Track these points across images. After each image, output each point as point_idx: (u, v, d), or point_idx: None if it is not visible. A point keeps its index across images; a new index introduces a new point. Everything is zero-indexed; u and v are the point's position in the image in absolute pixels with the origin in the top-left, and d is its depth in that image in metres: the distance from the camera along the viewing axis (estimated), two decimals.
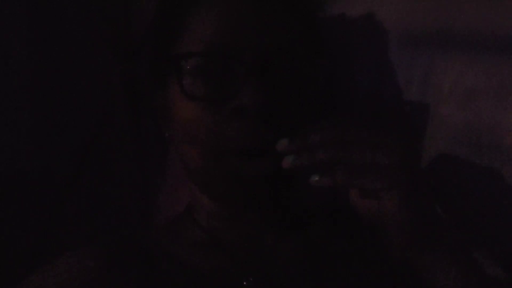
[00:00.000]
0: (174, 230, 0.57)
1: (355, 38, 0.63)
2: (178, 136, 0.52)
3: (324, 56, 0.53)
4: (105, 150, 0.76)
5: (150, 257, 0.53)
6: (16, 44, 0.83)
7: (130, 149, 0.73)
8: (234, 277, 0.51)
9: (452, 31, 0.57)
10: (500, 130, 0.55)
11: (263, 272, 0.52)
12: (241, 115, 0.47)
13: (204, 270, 0.52)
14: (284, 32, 0.50)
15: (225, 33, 0.49)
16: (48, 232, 0.71)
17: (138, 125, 0.71)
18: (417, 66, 0.59)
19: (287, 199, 0.53)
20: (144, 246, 0.54)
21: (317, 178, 0.44)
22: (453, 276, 0.45)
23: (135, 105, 0.76)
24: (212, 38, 0.49)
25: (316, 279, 0.52)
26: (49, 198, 0.74)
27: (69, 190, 0.74)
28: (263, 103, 0.47)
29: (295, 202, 0.55)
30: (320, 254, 0.53)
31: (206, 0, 0.51)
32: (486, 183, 0.56)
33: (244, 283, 0.51)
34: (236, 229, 0.54)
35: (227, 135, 0.48)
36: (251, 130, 0.47)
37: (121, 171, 0.75)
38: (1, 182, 0.74)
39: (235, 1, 0.50)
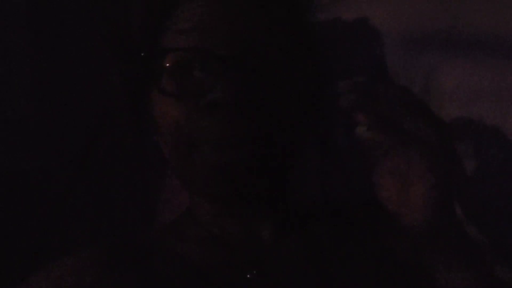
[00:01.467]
0: (176, 229, 0.57)
1: (356, 40, 0.63)
2: (160, 135, 0.53)
3: (305, 54, 0.53)
4: (106, 150, 0.76)
5: (152, 257, 0.53)
6: (16, 44, 0.82)
7: (130, 149, 0.73)
8: (237, 271, 0.51)
9: (455, 33, 0.57)
10: (503, 131, 0.55)
11: (266, 265, 0.52)
12: (216, 109, 0.48)
13: (206, 266, 0.52)
14: (259, 27, 0.50)
15: (199, 28, 0.49)
16: (48, 233, 0.71)
17: (139, 125, 0.71)
18: (420, 68, 0.59)
19: (274, 191, 0.53)
20: (146, 245, 0.54)
21: (365, 128, 0.45)
22: (463, 277, 0.45)
23: (135, 105, 0.76)
24: (187, 33, 0.50)
25: (317, 271, 0.52)
26: (49, 198, 0.74)
27: (70, 191, 0.73)
28: (237, 97, 0.47)
29: (285, 195, 0.55)
30: (321, 247, 0.54)
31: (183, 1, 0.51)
32: (488, 183, 0.56)
33: (248, 276, 0.51)
34: (236, 224, 0.54)
35: (202, 129, 0.49)
36: (225, 123, 0.48)
37: (122, 171, 0.75)
38: (1, 182, 0.74)
39: None
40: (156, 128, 0.54)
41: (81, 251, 0.52)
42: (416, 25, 0.59)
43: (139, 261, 0.52)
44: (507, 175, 0.55)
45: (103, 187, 0.74)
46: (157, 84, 0.50)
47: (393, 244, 0.47)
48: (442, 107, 0.58)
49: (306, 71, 0.52)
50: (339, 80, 0.48)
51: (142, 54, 0.53)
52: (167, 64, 0.50)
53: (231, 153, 0.49)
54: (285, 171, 0.54)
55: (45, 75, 0.83)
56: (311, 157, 0.60)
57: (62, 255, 0.52)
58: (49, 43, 0.83)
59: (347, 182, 0.60)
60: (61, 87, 0.81)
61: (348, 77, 0.63)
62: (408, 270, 0.47)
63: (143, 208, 0.73)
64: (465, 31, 0.57)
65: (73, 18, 0.83)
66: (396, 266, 0.49)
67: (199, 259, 0.53)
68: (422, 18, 0.59)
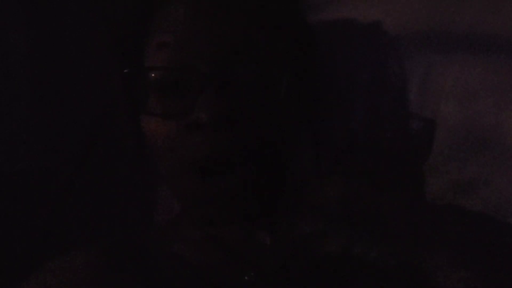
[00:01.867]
0: (174, 229, 0.57)
1: (353, 39, 0.63)
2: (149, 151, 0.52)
3: (293, 60, 0.51)
4: (105, 150, 0.76)
5: (150, 257, 0.53)
6: (16, 44, 0.82)
7: (130, 149, 0.73)
8: (235, 272, 0.51)
9: (452, 32, 0.57)
10: (500, 129, 0.55)
11: (264, 267, 0.52)
12: (198, 129, 0.46)
13: (204, 267, 0.52)
14: (240, 43, 0.48)
15: (180, 46, 0.48)
16: (48, 232, 0.71)
17: (138, 125, 0.71)
18: (416, 67, 0.59)
19: (268, 200, 0.52)
20: (144, 245, 0.54)
21: None
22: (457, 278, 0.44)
23: (135, 105, 0.76)
24: (168, 51, 0.48)
25: (316, 274, 0.52)
26: (48, 198, 0.74)
27: (69, 190, 0.73)
28: (219, 116, 0.45)
29: (282, 198, 0.55)
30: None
31: (163, 13, 0.50)
32: (486, 183, 0.56)
33: (246, 277, 0.51)
34: (233, 226, 0.54)
35: (185, 149, 0.47)
36: (208, 144, 0.46)
37: (121, 171, 0.75)
38: (1, 182, 0.74)
39: (191, 12, 0.48)
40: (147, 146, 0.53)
41: (80, 251, 0.53)
42: (413, 24, 0.59)
43: (137, 261, 0.52)
44: (505, 172, 0.55)
45: (102, 187, 0.74)
46: (142, 102, 0.49)
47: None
48: (439, 106, 0.58)
49: (294, 83, 0.50)
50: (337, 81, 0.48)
51: (125, 71, 0.51)
52: (150, 81, 0.48)
53: (217, 181, 0.47)
54: (279, 179, 0.52)
55: (45, 75, 0.83)
56: (307, 159, 0.60)
57: (60, 255, 0.52)
58: (49, 43, 0.83)
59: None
60: (61, 87, 0.81)
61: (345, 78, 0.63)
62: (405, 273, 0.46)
63: (141, 208, 0.74)
64: (462, 30, 0.57)
65: (73, 18, 0.83)
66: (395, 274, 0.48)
67: (197, 260, 0.52)
68: (419, 17, 0.59)
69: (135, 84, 0.49)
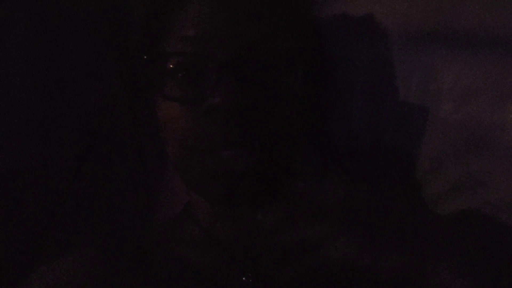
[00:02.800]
0: (173, 228, 0.57)
1: (353, 37, 0.62)
2: (163, 135, 0.53)
3: (305, 56, 0.53)
4: (105, 150, 0.76)
5: (149, 256, 0.53)
6: (16, 44, 0.82)
7: (129, 149, 0.73)
8: (233, 274, 0.51)
9: (452, 31, 0.57)
10: (499, 128, 0.55)
11: (262, 268, 0.52)
12: (215, 114, 0.48)
13: (203, 267, 0.52)
14: (259, 30, 0.50)
15: (199, 32, 0.49)
16: (47, 232, 0.71)
17: (138, 125, 0.71)
18: (417, 66, 0.59)
19: (273, 193, 0.53)
20: (144, 245, 0.55)
21: None
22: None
23: (135, 105, 0.76)
24: (188, 37, 0.50)
25: (314, 276, 0.52)
26: (48, 197, 0.74)
27: (68, 190, 0.73)
28: (237, 101, 0.47)
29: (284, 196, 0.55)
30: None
31: (186, 7, 0.51)
32: (484, 181, 0.56)
33: (243, 278, 0.51)
34: (233, 226, 0.54)
35: (202, 134, 0.49)
36: (224, 128, 0.48)
37: (121, 171, 0.75)
38: (1, 181, 0.74)
39: (213, 6, 0.50)
40: (160, 128, 0.54)
41: (79, 250, 0.53)
42: (413, 23, 0.59)
43: (137, 261, 0.52)
44: (504, 171, 0.55)
45: (101, 186, 0.74)
46: (160, 88, 0.50)
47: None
48: (439, 106, 0.58)
49: (307, 73, 0.52)
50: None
51: (145, 57, 0.53)
52: (170, 68, 0.50)
53: (229, 159, 0.48)
54: (285, 173, 0.53)
55: (45, 75, 0.83)
56: (308, 158, 0.60)
57: (60, 255, 0.52)
58: (49, 43, 0.83)
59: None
60: (61, 87, 0.81)
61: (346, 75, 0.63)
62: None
63: (141, 208, 0.74)
64: (462, 29, 0.57)
65: (73, 18, 0.83)
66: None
67: (196, 260, 0.53)
68: (419, 16, 0.59)
69: (153, 70, 0.51)
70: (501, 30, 0.54)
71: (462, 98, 0.57)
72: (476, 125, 0.56)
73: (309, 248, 0.53)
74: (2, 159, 0.76)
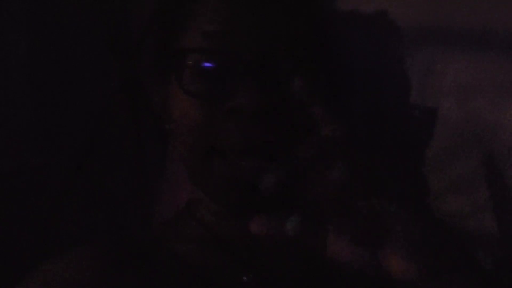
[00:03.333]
0: (174, 227, 0.57)
1: (353, 35, 0.62)
2: (176, 131, 0.52)
3: (325, 57, 0.52)
4: (105, 149, 0.76)
5: (150, 255, 0.53)
6: (16, 44, 0.83)
7: (130, 148, 0.73)
8: (234, 273, 0.51)
9: (452, 29, 0.57)
10: (499, 127, 0.55)
11: (263, 268, 0.52)
12: (237, 115, 0.47)
13: (204, 266, 0.52)
14: (284, 31, 0.49)
15: (225, 31, 0.49)
16: (47, 231, 0.71)
17: (138, 123, 0.71)
18: (416, 64, 0.59)
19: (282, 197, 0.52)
20: (144, 244, 0.54)
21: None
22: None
23: (135, 104, 0.76)
24: (213, 35, 0.49)
25: (314, 277, 0.52)
26: (49, 196, 0.74)
27: (69, 189, 0.74)
28: (260, 103, 0.46)
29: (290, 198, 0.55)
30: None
31: (208, 2, 0.50)
32: (485, 179, 0.56)
33: (244, 278, 0.51)
34: (235, 225, 0.54)
35: (221, 134, 0.48)
36: (246, 130, 0.47)
37: (121, 170, 0.75)
38: (1, 180, 0.74)
39: (236, 3, 0.49)
40: (169, 120, 0.53)
41: (80, 249, 0.53)
42: (414, 20, 0.59)
43: (137, 260, 0.52)
44: (504, 169, 0.55)
45: (102, 185, 0.74)
46: (181, 83, 0.49)
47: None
48: (439, 103, 0.58)
49: (322, 74, 0.51)
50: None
51: (165, 52, 0.52)
52: (189, 64, 0.49)
53: (250, 160, 0.47)
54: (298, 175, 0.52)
55: (45, 75, 0.83)
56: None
57: (60, 253, 0.52)
58: (49, 43, 0.84)
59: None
60: (61, 86, 0.81)
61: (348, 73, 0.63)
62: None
63: (141, 207, 0.74)
64: (462, 27, 0.57)
65: (72, 17, 0.84)
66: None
67: (196, 260, 0.52)
68: (418, 14, 0.59)
69: (173, 66, 0.50)
70: (501, 28, 0.54)
71: (462, 96, 0.57)
72: (476, 123, 0.56)
73: (310, 248, 0.53)
74: (2, 159, 0.76)
